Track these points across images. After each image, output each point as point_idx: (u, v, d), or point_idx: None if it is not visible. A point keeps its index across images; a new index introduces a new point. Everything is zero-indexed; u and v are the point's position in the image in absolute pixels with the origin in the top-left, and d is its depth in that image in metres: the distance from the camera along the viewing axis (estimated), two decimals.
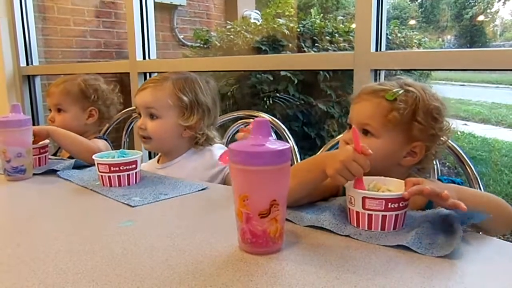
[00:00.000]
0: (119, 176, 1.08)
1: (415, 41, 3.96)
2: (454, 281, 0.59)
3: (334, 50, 3.50)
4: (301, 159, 1.34)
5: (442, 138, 0.93)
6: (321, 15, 4.01)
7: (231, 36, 3.92)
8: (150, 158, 1.85)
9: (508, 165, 3.71)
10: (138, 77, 2.30)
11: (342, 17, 4.16)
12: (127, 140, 1.82)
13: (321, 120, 3.56)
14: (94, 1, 3.59)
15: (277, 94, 3.55)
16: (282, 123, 1.42)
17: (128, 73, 2.34)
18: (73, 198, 1.05)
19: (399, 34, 3.90)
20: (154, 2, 2.37)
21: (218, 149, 1.31)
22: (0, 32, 2.83)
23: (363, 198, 0.74)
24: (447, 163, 2.96)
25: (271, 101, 3.53)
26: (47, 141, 1.35)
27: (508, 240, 0.71)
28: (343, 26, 3.75)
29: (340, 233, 0.74)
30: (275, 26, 3.80)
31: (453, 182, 0.92)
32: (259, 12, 4.62)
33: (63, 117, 1.56)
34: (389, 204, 0.72)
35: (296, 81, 3.42)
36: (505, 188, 3.41)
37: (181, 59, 3.87)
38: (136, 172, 1.11)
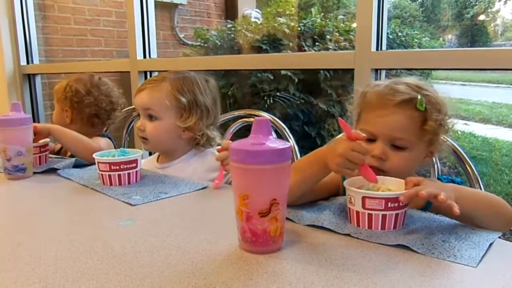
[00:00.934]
0: (119, 175, 1.08)
1: (416, 40, 3.95)
2: (453, 280, 0.59)
3: (335, 49, 3.49)
4: None
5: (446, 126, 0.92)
6: (322, 14, 4.00)
7: (232, 35, 3.92)
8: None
9: (509, 164, 3.71)
10: (138, 75, 2.30)
11: (343, 16, 4.15)
12: (128, 139, 1.82)
13: (321, 119, 3.56)
14: (94, 0, 3.59)
15: (278, 93, 3.55)
16: (283, 122, 1.41)
17: (129, 71, 2.34)
18: (74, 197, 1.06)
19: (399, 34, 3.89)
20: (155, 1, 2.37)
21: None
22: (1, 31, 2.83)
23: (363, 198, 0.74)
24: (448, 163, 2.95)
25: (271, 100, 3.53)
26: (47, 139, 1.35)
27: (508, 240, 0.71)
28: (343, 25, 3.74)
29: (340, 232, 0.74)
30: (276, 25, 3.80)
31: (453, 181, 0.92)
32: (259, 11, 4.61)
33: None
34: (389, 203, 0.73)
35: (296, 80, 3.42)
36: (506, 187, 3.41)
37: (181, 58, 3.87)
38: (136, 171, 1.11)
